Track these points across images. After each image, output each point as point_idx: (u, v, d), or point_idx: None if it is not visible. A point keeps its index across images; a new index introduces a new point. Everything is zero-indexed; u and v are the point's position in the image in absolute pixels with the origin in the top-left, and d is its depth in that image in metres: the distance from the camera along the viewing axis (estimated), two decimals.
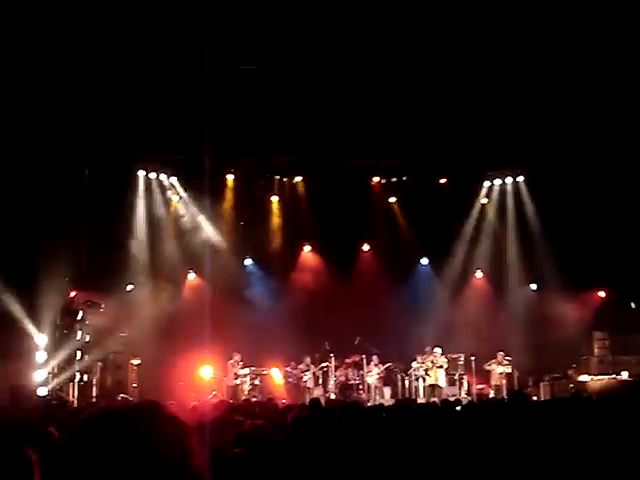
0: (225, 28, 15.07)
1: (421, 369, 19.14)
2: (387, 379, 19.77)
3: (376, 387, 19.46)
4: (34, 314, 16.61)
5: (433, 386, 18.92)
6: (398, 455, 5.03)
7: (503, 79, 16.87)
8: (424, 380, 19.12)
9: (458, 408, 8.06)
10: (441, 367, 19.02)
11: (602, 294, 20.26)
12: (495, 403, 9.34)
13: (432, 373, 18.99)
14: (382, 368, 19.55)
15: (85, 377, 17.22)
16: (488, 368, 19.29)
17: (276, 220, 21.27)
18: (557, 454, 4.86)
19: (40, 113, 16.19)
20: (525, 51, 15.99)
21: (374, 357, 19.57)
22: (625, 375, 18.14)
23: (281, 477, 4.47)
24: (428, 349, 19.14)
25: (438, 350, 19.03)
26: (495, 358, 19.22)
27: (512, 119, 17.97)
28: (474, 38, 15.70)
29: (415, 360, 19.24)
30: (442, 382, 19.01)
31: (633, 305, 19.19)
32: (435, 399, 17.24)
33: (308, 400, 13.31)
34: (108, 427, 2.02)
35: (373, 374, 19.50)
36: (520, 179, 21.12)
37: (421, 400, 17.88)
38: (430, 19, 15.21)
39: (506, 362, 19.12)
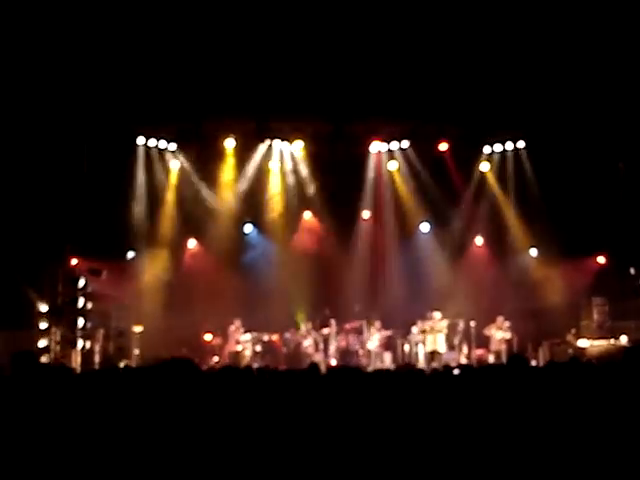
0: None
1: (420, 334, 19.18)
2: (388, 345, 19.84)
3: (377, 353, 19.52)
4: (35, 282, 16.66)
5: (432, 352, 18.94)
6: (395, 420, 5.08)
7: (505, 42, 16.72)
8: (423, 345, 19.14)
9: (456, 372, 8.11)
10: (440, 332, 19.02)
11: (602, 260, 20.27)
12: (494, 367, 9.40)
13: (431, 338, 19.00)
14: (384, 334, 19.56)
15: (87, 344, 17.31)
16: (488, 333, 19.31)
17: (276, 186, 21.23)
18: (555, 418, 4.91)
19: (40, 82, 16.10)
20: (527, 13, 15.83)
21: (376, 322, 19.63)
22: (624, 340, 18.23)
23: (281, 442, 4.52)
24: (428, 314, 19.17)
25: (437, 314, 19.03)
26: (494, 322, 19.29)
27: (513, 84, 17.84)
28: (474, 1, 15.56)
29: (415, 325, 19.26)
30: (442, 347, 19.00)
31: (632, 271, 19.20)
32: (435, 364, 17.33)
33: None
34: None
35: (374, 340, 19.55)
36: (520, 144, 21.02)
37: (420, 365, 17.98)
38: None
39: (506, 327, 19.17)
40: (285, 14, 15.72)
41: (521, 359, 6.56)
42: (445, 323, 19.05)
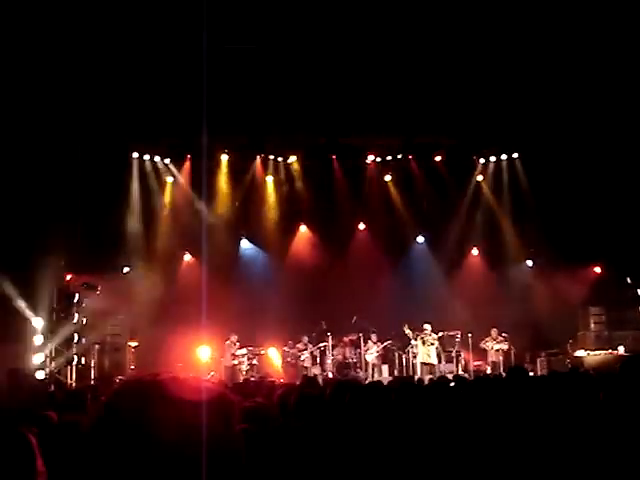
0: (218, 8, 14.94)
1: (415, 347, 19.10)
2: (385, 357, 19.80)
3: (374, 365, 19.48)
4: (30, 297, 16.58)
5: (425, 363, 18.84)
6: (394, 432, 5.04)
7: (499, 55, 16.77)
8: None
9: (452, 384, 8.07)
10: (432, 344, 18.92)
11: (598, 270, 20.27)
12: (493, 379, 9.37)
13: (423, 350, 18.91)
14: (381, 346, 19.54)
15: (83, 360, 17.22)
16: (483, 346, 19.29)
17: (271, 200, 21.22)
18: (556, 429, 4.88)
19: (35, 96, 16.08)
20: (520, 28, 15.89)
21: (372, 335, 19.58)
22: (621, 350, 18.20)
23: (282, 455, 4.47)
24: (420, 327, 19.08)
25: (427, 327, 18.93)
26: (489, 335, 19.26)
27: (507, 96, 17.89)
28: (468, 14, 15.61)
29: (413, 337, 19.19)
30: (434, 359, 18.93)
31: (629, 280, 19.21)
32: (430, 376, 17.26)
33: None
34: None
35: (372, 352, 19.49)
36: (515, 156, 21.07)
37: (417, 377, 17.90)
38: None
39: (501, 338, 19.13)
40: (279, 29, 15.75)
41: (521, 370, 6.53)
42: (436, 335, 18.96)
